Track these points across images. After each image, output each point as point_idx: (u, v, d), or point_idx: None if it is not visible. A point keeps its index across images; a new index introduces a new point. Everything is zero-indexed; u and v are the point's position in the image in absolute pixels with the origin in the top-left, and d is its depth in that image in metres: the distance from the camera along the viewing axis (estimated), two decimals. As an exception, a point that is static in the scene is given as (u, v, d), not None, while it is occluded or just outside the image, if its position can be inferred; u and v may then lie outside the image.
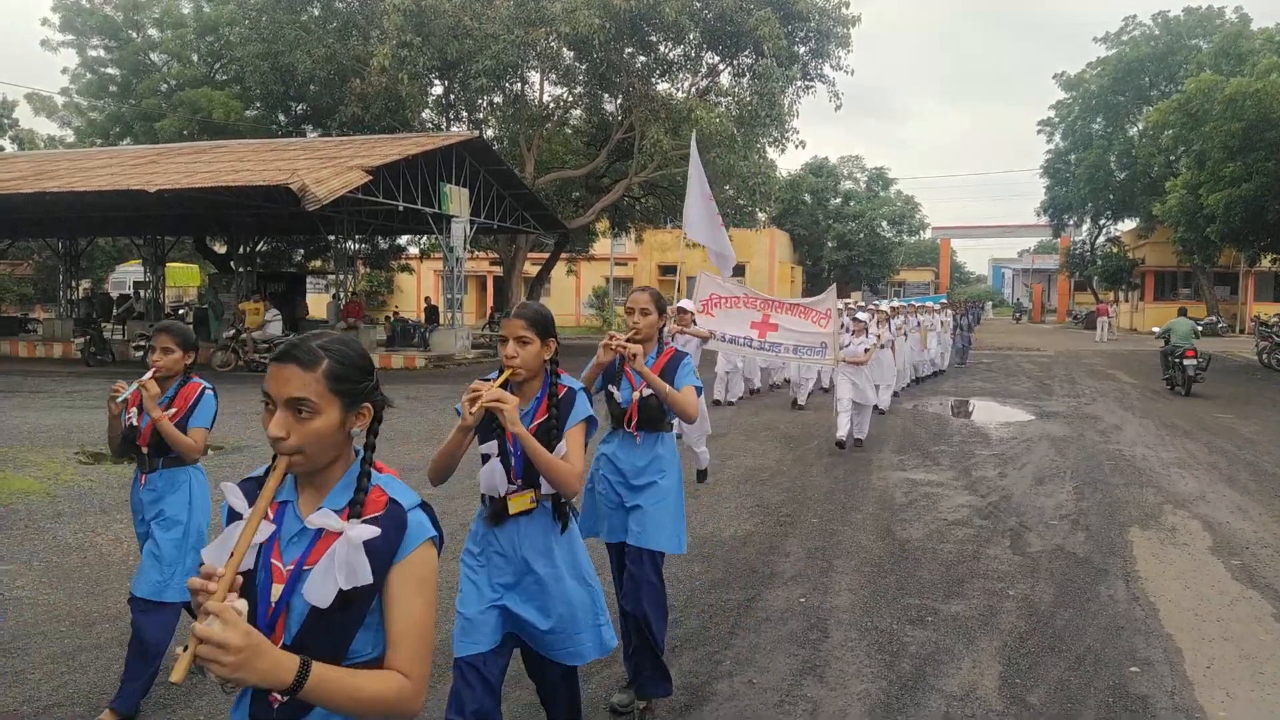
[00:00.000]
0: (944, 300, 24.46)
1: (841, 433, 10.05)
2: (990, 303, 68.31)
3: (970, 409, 14.93)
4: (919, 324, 18.26)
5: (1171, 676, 4.41)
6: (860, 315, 10.99)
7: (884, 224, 54.55)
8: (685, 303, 9.61)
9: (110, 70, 30.83)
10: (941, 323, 20.28)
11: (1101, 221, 47.42)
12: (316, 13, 26.48)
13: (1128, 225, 47.35)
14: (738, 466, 9.50)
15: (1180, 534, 7.02)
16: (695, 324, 9.25)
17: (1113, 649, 4.74)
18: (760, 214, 31.24)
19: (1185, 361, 16.32)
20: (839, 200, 54.62)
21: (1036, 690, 4.24)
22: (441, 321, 25.34)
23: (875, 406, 11.84)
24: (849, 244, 52.18)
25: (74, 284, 28.26)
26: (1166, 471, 9.47)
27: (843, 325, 10.60)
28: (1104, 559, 6.32)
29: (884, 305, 15.81)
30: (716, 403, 13.86)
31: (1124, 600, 5.49)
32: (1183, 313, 18.05)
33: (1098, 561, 6.26)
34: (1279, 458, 10.35)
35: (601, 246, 39.21)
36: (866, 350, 10.49)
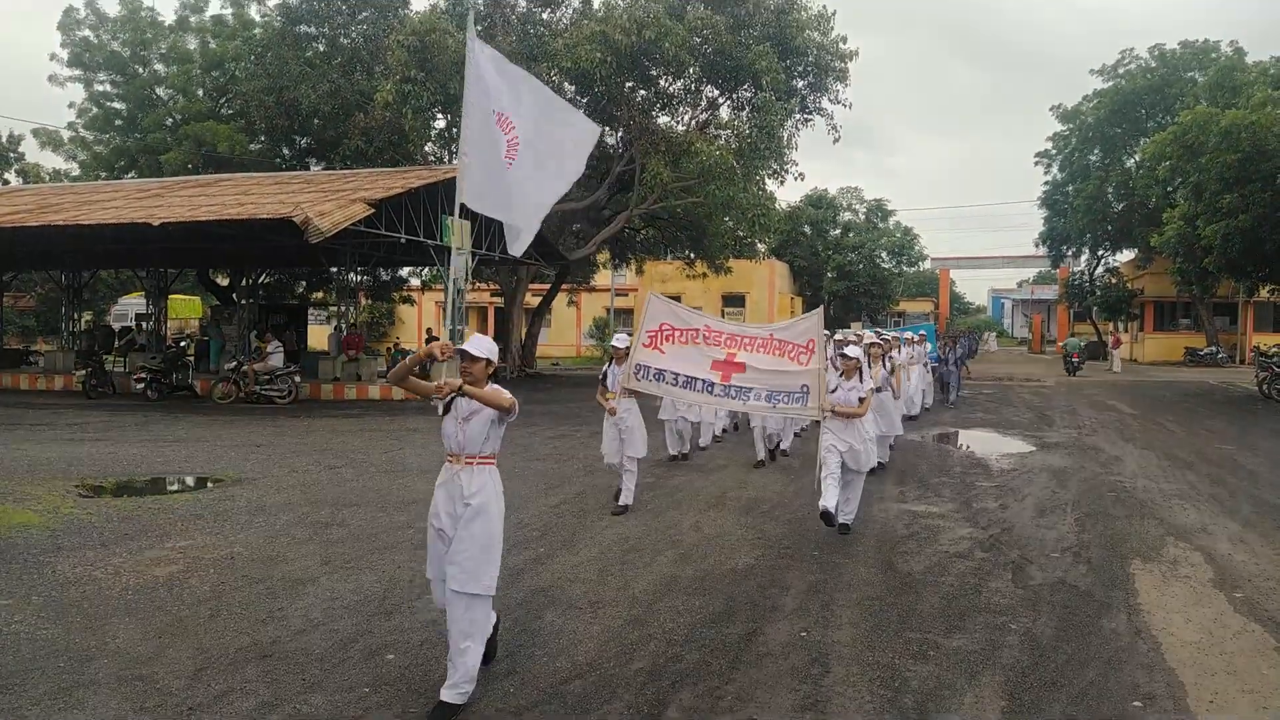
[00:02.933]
0: (921, 331, 19.16)
1: (829, 502, 7.48)
2: (994, 333, 68.27)
3: (963, 444, 14.90)
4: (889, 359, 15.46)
5: (1175, 711, 4.39)
6: (850, 351, 8.01)
7: (883, 255, 54.81)
8: (619, 338, 9.10)
9: (116, 104, 31.17)
10: (911, 356, 16.29)
11: (1100, 252, 47.56)
12: (321, 48, 26.83)
13: (1126, 256, 47.52)
14: (738, 499, 9.48)
15: (1182, 566, 6.99)
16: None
17: (1115, 683, 4.71)
18: (760, 245, 31.41)
19: (1073, 360, 32.06)
20: (838, 231, 54.91)
21: (1039, 726, 4.21)
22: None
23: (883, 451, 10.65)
24: (849, 275, 52.38)
25: (76, 316, 28.34)
26: (1168, 503, 9.44)
27: (829, 362, 8.44)
28: (1106, 592, 6.30)
29: (867, 334, 13.81)
30: (674, 458, 11.68)
31: (1126, 634, 5.46)
32: (1074, 333, 33.21)
33: (1100, 595, 6.23)
34: (1281, 489, 10.32)
35: (602, 278, 39.38)
36: (863, 399, 7.77)
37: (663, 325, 7.73)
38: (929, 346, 19.32)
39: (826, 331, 15.56)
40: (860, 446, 7.77)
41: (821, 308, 7.93)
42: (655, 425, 11.43)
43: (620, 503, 8.65)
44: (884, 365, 10.96)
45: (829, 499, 7.50)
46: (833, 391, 7.77)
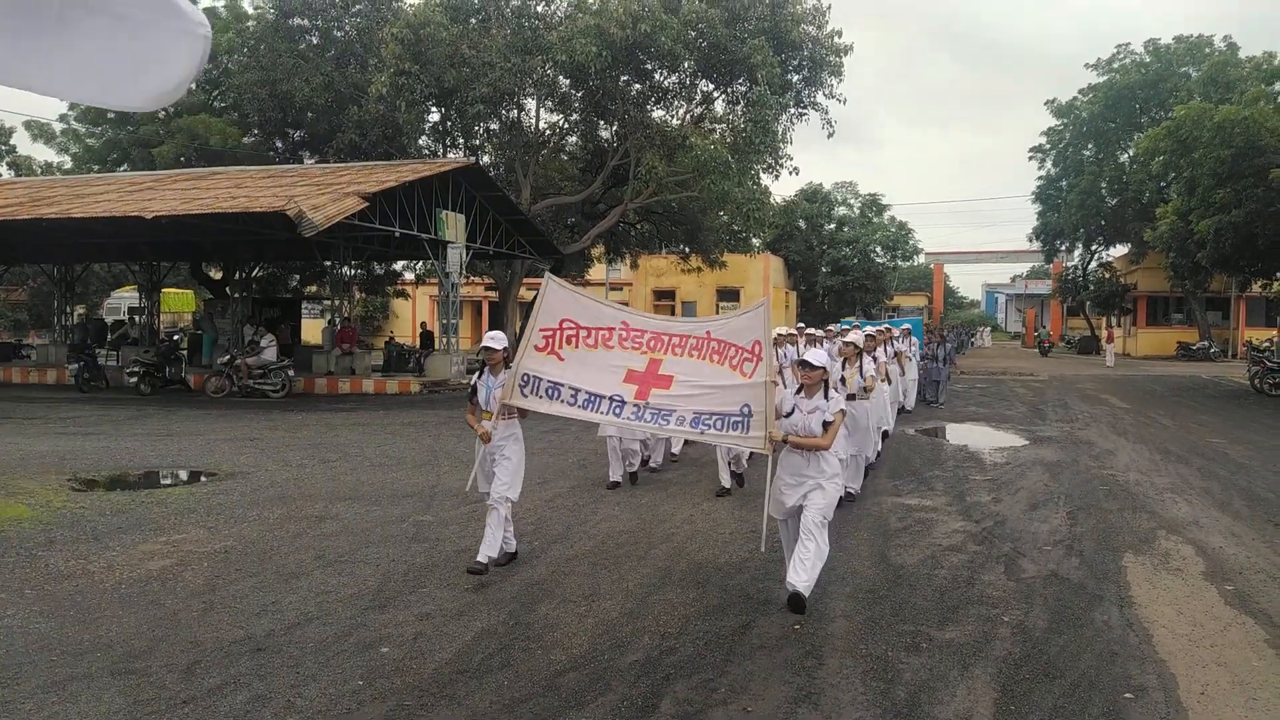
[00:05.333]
0: (906, 325, 17.32)
1: (797, 579, 5.48)
2: (988, 328, 68.40)
3: (956, 438, 14.94)
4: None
5: (1166, 703, 4.41)
6: (813, 357, 5.91)
7: (878, 249, 54.89)
8: (492, 338, 6.51)
9: (109, 97, 30.99)
10: (897, 353, 14.29)
11: (1093, 247, 47.71)
12: (315, 41, 26.73)
13: (1119, 251, 47.67)
14: (734, 492, 9.49)
15: (1174, 559, 7.02)
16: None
17: (1107, 675, 4.74)
18: (755, 239, 31.43)
19: (1044, 345, 35.50)
20: (833, 226, 54.97)
21: (1031, 717, 4.24)
22: (437, 347, 25.35)
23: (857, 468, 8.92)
24: (843, 269, 52.48)
25: (69, 310, 28.24)
26: (1160, 497, 9.49)
27: (781, 373, 7.38)
28: (1098, 585, 6.32)
29: (853, 331, 11.36)
30: (615, 484, 9.47)
31: (1118, 626, 5.49)
32: (1042, 325, 42.86)
33: (1092, 587, 6.26)
34: (1272, 482, 10.37)
35: (597, 272, 39.33)
36: (828, 424, 5.67)
37: (564, 322, 5.93)
38: (915, 342, 17.88)
39: (788, 328, 13.32)
40: (825, 484, 5.67)
41: (768, 295, 5.95)
42: (590, 441, 10.69)
43: (479, 559, 6.14)
44: (866, 362, 9.20)
45: (792, 575, 5.53)
46: (787, 415, 5.70)
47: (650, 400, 5.73)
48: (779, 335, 11.34)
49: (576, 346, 5.91)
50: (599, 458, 9.29)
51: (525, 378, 5.97)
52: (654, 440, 10.21)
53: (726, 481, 9.34)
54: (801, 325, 14.84)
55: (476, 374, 6.50)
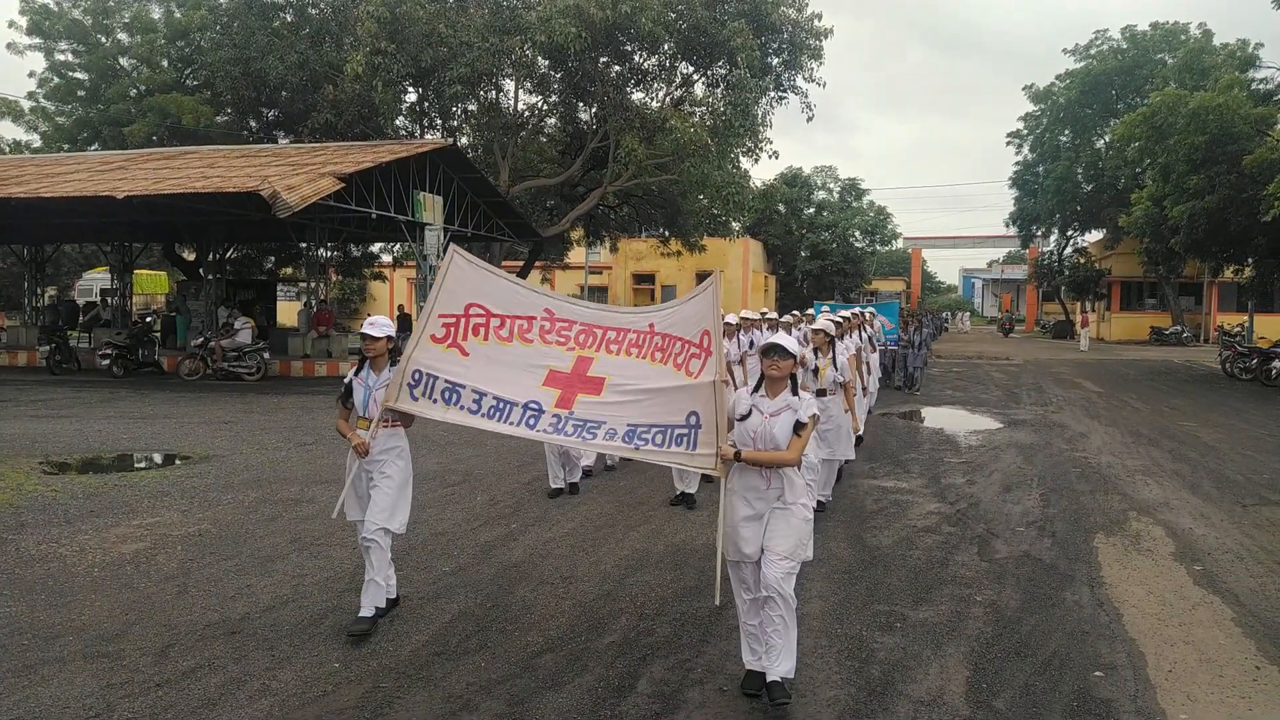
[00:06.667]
0: (870, 309, 15.89)
1: (750, 659, 4.36)
2: (968, 313, 68.90)
3: (937, 424, 15.06)
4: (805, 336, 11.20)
5: (1134, 680, 4.49)
6: (784, 342, 4.40)
7: (857, 234, 55.04)
8: (372, 324, 5.19)
9: (78, 75, 30.40)
10: (869, 338, 12.45)
11: (1069, 232, 48.12)
12: (289, 19, 26.31)
13: (1095, 236, 48.12)
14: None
15: (1144, 540, 7.13)
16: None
17: (1078, 653, 4.81)
18: (734, 223, 31.39)
19: (1005, 327, 44.94)
20: (812, 210, 55.05)
21: (1003, 695, 4.30)
22: (414, 329, 25.19)
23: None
24: (822, 253, 52.58)
25: (39, 291, 27.80)
26: (1131, 479, 9.61)
27: (729, 370, 6.69)
28: (1070, 565, 6.41)
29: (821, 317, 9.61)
30: (556, 492, 8.39)
31: (1089, 605, 5.57)
32: (1005, 309, 61.16)
33: (1063, 568, 6.35)
34: (1241, 465, 10.54)
35: (576, 255, 39.22)
36: (800, 428, 4.27)
37: (471, 307, 4.77)
38: (878, 326, 16.10)
39: (752, 312, 12.58)
40: (791, 509, 4.28)
41: (716, 273, 4.58)
42: (525, 447, 9.67)
43: (362, 614, 5.01)
44: (839, 349, 8.04)
45: (749, 655, 4.35)
46: (742, 418, 4.38)
47: (575, 410, 4.55)
48: (737, 321, 10.58)
49: (485, 339, 4.75)
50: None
51: (417, 376, 4.78)
52: None
53: (681, 485, 8.22)
54: (764, 311, 13.86)
55: (354, 370, 5.29)
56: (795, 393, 4.38)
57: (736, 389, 4.69)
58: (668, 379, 4.50)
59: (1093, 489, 9.07)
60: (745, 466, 4.31)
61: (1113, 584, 6.00)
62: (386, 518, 5.09)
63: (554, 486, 8.43)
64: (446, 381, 4.73)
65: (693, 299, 4.56)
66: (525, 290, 4.94)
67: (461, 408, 4.71)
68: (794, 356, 4.36)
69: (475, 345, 4.75)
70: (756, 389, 4.45)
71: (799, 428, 4.27)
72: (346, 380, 5.26)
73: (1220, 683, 4.48)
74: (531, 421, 4.59)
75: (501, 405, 4.64)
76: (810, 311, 14.96)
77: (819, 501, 7.30)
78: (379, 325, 5.18)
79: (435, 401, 4.77)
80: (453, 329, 4.78)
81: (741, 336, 10.78)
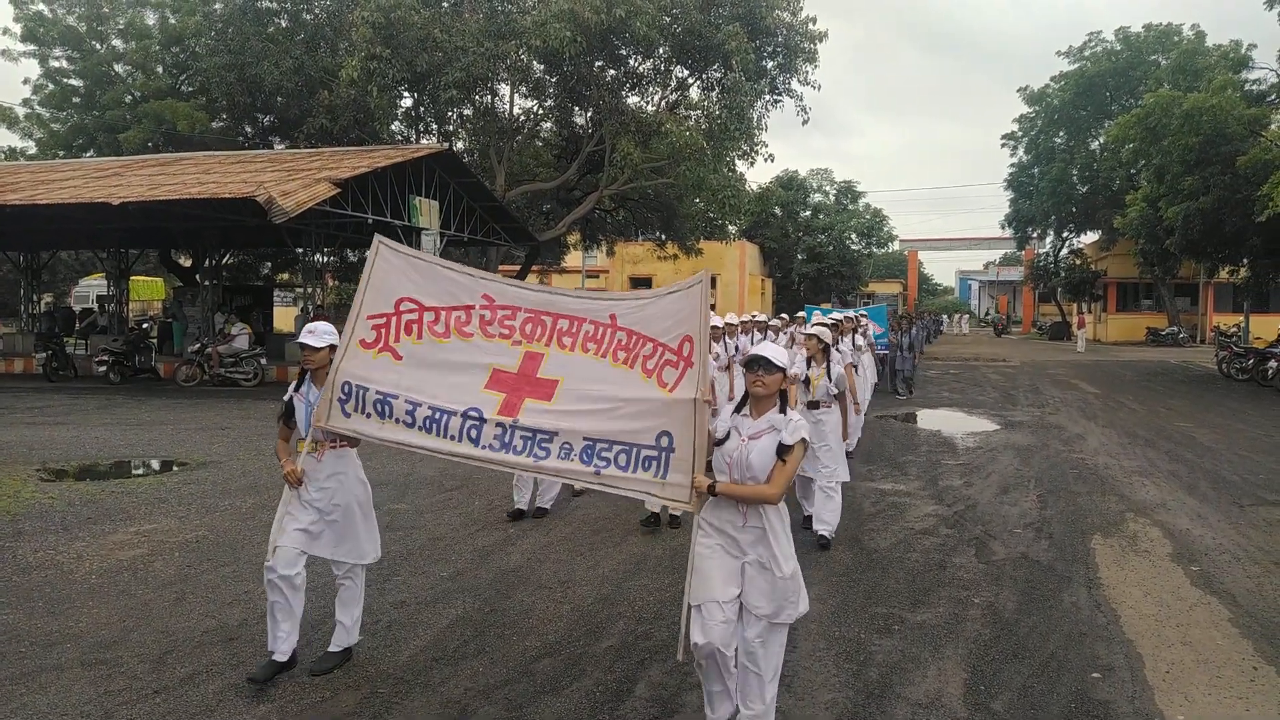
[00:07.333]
0: (862, 312, 15.40)
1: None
2: (965, 315, 68.96)
3: (934, 426, 15.07)
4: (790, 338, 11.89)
5: (1132, 682, 4.49)
6: (770, 353, 3.75)
7: (853, 236, 55.12)
8: (311, 331, 4.59)
9: (73, 81, 30.43)
10: (859, 344, 11.57)
11: (1064, 234, 48.22)
12: (284, 24, 26.33)
13: (1090, 238, 48.23)
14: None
15: (1141, 541, 7.14)
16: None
17: (1075, 655, 4.81)
18: (730, 227, 31.40)
19: (997, 327, 42.11)
20: (809, 213, 55.12)
21: (1001, 697, 4.30)
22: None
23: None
24: (819, 256, 52.64)
25: (35, 298, 27.76)
26: (1128, 480, 9.63)
27: (731, 360, 6.56)
28: (1067, 566, 6.42)
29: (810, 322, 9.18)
30: (519, 514, 7.62)
31: (1086, 607, 5.58)
32: (997, 309, 60.37)
33: (1061, 569, 6.36)
34: (1237, 466, 10.56)
35: (573, 259, 39.26)
36: (787, 451, 3.65)
37: (402, 303, 4.18)
38: (877, 329, 15.98)
39: (740, 316, 11.98)
40: (775, 582, 3.64)
41: (705, 273, 3.90)
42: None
43: (333, 649, 4.62)
44: (834, 359, 7.34)
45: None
46: (719, 442, 3.76)
47: (520, 418, 3.90)
48: (724, 325, 9.80)
49: (420, 337, 4.13)
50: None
51: (347, 389, 4.22)
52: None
53: (656, 505, 6.95)
54: (754, 314, 13.35)
55: (293, 385, 4.60)
56: (784, 411, 3.75)
57: (717, 406, 3.95)
58: (633, 386, 3.83)
59: (1090, 490, 9.08)
60: (721, 503, 3.70)
61: (1110, 585, 6.01)
62: (357, 552, 4.61)
63: (517, 507, 7.64)
64: (378, 392, 4.15)
65: (672, 294, 3.87)
66: (460, 275, 4.23)
67: (397, 421, 4.10)
68: (782, 370, 3.72)
69: (409, 346, 4.15)
70: (740, 407, 3.83)
71: (784, 451, 3.61)
72: (286, 397, 4.60)
73: (1218, 683, 4.49)
74: (474, 433, 3.95)
75: (438, 415, 4.01)
76: (801, 315, 14.68)
77: (822, 536, 6.82)
78: (319, 333, 4.54)
79: (369, 415, 4.17)
80: (384, 331, 4.19)
81: (728, 341, 10.36)
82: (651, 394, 3.79)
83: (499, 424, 3.92)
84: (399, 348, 4.16)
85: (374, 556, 4.75)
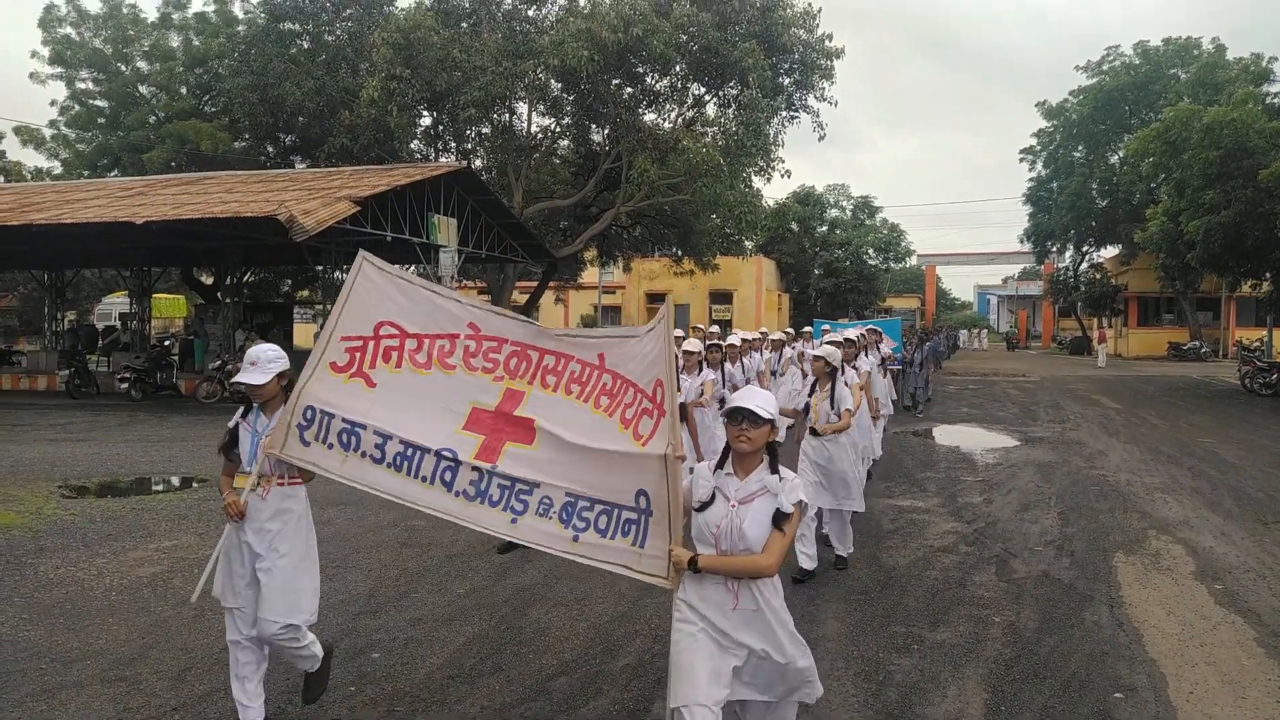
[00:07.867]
0: (873, 325, 13.46)
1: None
2: (984, 330, 68.49)
3: (953, 442, 14.96)
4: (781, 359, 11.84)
5: (1155, 702, 4.43)
6: (750, 404, 3.21)
7: (870, 251, 54.98)
8: (252, 365, 4.04)
9: (99, 102, 30.95)
10: (863, 367, 9.31)
11: (1084, 248, 47.95)
12: (306, 45, 26.70)
13: (1110, 252, 47.89)
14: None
15: (1164, 559, 7.05)
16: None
17: (1097, 675, 4.75)
18: (747, 242, 31.43)
19: (1012, 340, 46.09)
20: (825, 228, 55.06)
21: (1022, 717, 4.25)
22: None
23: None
24: (836, 271, 52.51)
25: (59, 316, 28.13)
26: (1151, 497, 9.52)
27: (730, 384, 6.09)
28: (1089, 585, 6.35)
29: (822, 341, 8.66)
30: (508, 547, 6.89)
31: (1108, 626, 5.51)
32: (1014, 325, 56.98)
33: (1082, 587, 6.28)
34: (1262, 482, 10.42)
35: (590, 275, 39.35)
36: (784, 519, 3.17)
37: (382, 326, 3.81)
38: (891, 344, 14.82)
39: (743, 333, 10.66)
40: (781, 659, 3.22)
41: (669, 300, 3.94)
42: None
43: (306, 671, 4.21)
44: (839, 383, 6.57)
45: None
46: (701, 506, 3.29)
47: (500, 464, 3.58)
48: (695, 351, 8.26)
49: (398, 365, 3.76)
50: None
51: (309, 414, 3.80)
52: None
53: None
54: (763, 330, 12.48)
55: (239, 412, 4.14)
56: (775, 470, 3.26)
57: (697, 454, 3.55)
58: (610, 438, 3.47)
59: (1111, 507, 8.98)
60: (703, 576, 3.18)
61: (1133, 604, 5.94)
62: (287, 610, 3.92)
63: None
64: (345, 420, 3.73)
65: (649, 332, 3.53)
66: (446, 300, 3.84)
67: (362, 454, 3.71)
68: (769, 422, 3.20)
69: (385, 374, 3.76)
70: (721, 464, 3.33)
71: (780, 520, 3.13)
72: (231, 424, 4.10)
73: (1243, 704, 4.42)
74: (447, 476, 3.61)
75: (410, 452, 3.65)
76: (808, 331, 14.05)
77: (839, 557, 6.66)
78: (262, 364, 3.98)
79: (331, 446, 3.76)
80: (358, 354, 3.79)
81: (745, 361, 10.12)
82: (625, 448, 3.43)
83: (475, 469, 3.60)
84: (373, 374, 3.78)
85: (310, 615, 4.03)
